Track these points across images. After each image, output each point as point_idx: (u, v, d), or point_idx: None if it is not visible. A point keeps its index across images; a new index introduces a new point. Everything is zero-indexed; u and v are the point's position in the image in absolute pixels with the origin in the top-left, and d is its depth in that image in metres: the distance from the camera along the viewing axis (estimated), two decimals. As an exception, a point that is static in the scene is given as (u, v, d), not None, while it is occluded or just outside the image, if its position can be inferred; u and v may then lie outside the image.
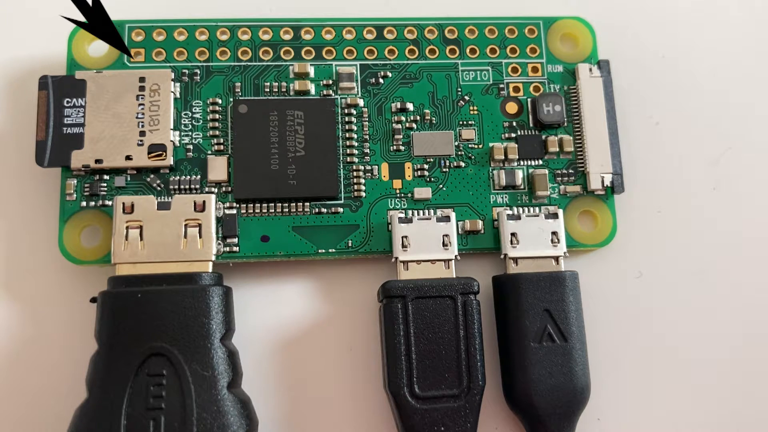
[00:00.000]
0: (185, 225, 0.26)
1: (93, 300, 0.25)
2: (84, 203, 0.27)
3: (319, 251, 0.27)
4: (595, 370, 0.27)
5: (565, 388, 0.26)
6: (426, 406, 0.25)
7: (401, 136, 0.28)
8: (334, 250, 0.27)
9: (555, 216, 0.27)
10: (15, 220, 0.27)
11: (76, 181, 0.27)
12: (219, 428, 0.24)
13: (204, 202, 0.26)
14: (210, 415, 0.24)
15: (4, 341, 0.26)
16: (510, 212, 0.27)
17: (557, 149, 0.28)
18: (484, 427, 0.27)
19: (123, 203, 0.26)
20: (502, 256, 0.27)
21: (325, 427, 0.26)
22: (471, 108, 0.29)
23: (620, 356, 0.28)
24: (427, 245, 0.27)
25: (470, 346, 0.25)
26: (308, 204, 0.27)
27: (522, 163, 0.28)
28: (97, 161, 0.27)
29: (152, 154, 0.27)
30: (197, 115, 0.28)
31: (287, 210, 0.27)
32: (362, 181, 0.28)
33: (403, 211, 0.27)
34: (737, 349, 0.28)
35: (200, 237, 0.26)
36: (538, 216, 0.27)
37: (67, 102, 0.27)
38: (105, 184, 0.27)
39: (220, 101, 0.28)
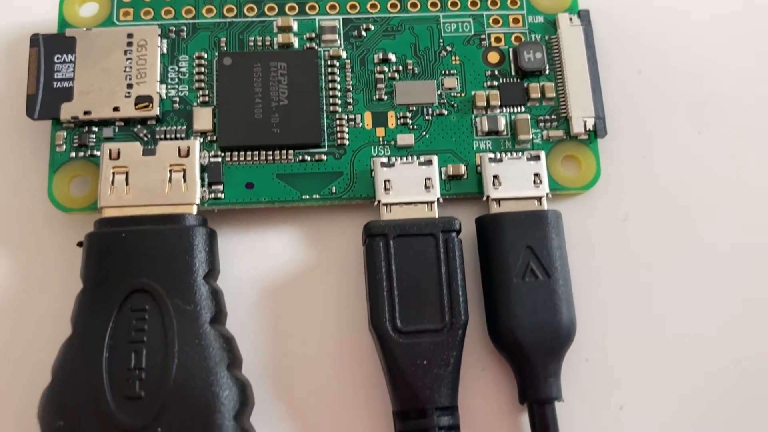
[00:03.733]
0: (170, 170, 0.26)
1: (80, 244, 0.26)
2: (73, 154, 0.27)
3: (304, 197, 0.27)
4: (581, 313, 0.26)
5: (549, 323, 0.25)
6: (408, 341, 0.25)
7: (384, 86, 0.29)
8: (318, 196, 0.27)
9: (537, 158, 0.27)
10: (6, 172, 0.28)
11: (65, 133, 0.28)
12: (201, 360, 0.24)
13: (188, 147, 0.27)
14: (192, 348, 0.24)
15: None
16: (492, 155, 0.27)
17: (539, 95, 0.29)
18: (471, 370, 0.26)
19: (110, 150, 0.27)
20: (485, 198, 0.27)
21: (311, 368, 0.26)
22: (453, 58, 0.29)
23: (607, 299, 0.28)
24: (409, 188, 0.27)
25: (452, 281, 0.25)
26: (292, 152, 0.28)
27: (504, 110, 0.29)
28: (86, 113, 0.27)
29: (139, 105, 0.28)
30: (183, 69, 0.28)
31: (271, 158, 0.28)
32: (345, 129, 0.28)
33: (386, 157, 0.28)
34: (723, 289, 0.28)
35: (185, 182, 0.26)
36: (520, 158, 0.27)
37: (57, 58, 0.28)
38: (93, 136, 0.28)
39: (205, 56, 0.29)
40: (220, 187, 0.27)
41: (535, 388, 0.25)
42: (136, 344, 0.24)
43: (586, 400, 0.26)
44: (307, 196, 0.27)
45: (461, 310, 0.25)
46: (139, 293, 0.24)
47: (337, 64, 0.29)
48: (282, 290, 0.27)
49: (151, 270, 0.25)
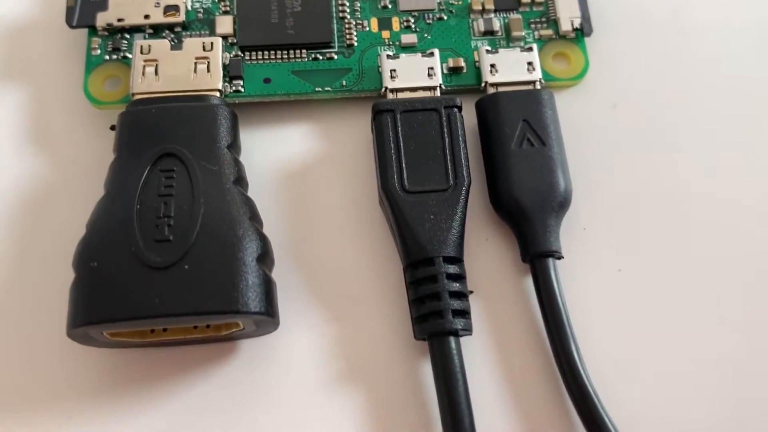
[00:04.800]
0: (195, 62, 0.29)
1: (112, 128, 0.28)
2: (107, 57, 0.30)
3: (317, 89, 0.30)
4: (578, 187, 0.28)
5: (547, 183, 0.27)
6: (416, 199, 0.27)
7: (388, -5, 0.32)
8: (330, 89, 0.30)
9: (530, 49, 0.30)
10: (47, 75, 0.31)
11: (100, 40, 0.30)
12: (225, 210, 0.25)
13: (212, 42, 0.29)
14: (216, 200, 0.26)
15: (39, 173, 0.29)
16: (489, 48, 0.30)
17: (530, 1, 0.31)
18: (475, 240, 0.28)
19: (141, 45, 0.29)
20: (483, 85, 0.30)
21: (327, 239, 0.28)
22: (450, -29, 0.32)
23: (601, 175, 0.30)
24: (414, 76, 0.29)
25: (455, 148, 0.28)
26: (305, 51, 0.30)
27: (499, 14, 0.31)
28: (119, 20, 0.30)
29: (167, 13, 0.31)
30: (206, -15, 0.32)
31: (287, 56, 0.30)
32: (354, 32, 0.31)
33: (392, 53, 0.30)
34: (707, 167, 0.30)
35: (209, 71, 0.29)
36: (514, 50, 0.30)
37: (94, -25, 0.31)
38: (126, 42, 0.30)
39: (226, -27, 0.32)
40: (241, 82, 0.30)
41: (536, 243, 0.27)
42: (166, 197, 0.26)
43: (585, 262, 0.28)
44: (320, 89, 0.30)
45: (464, 173, 0.27)
46: (168, 157, 0.27)
47: (345, -22, 0.32)
48: (298, 175, 0.30)
49: (179, 138, 0.27)
